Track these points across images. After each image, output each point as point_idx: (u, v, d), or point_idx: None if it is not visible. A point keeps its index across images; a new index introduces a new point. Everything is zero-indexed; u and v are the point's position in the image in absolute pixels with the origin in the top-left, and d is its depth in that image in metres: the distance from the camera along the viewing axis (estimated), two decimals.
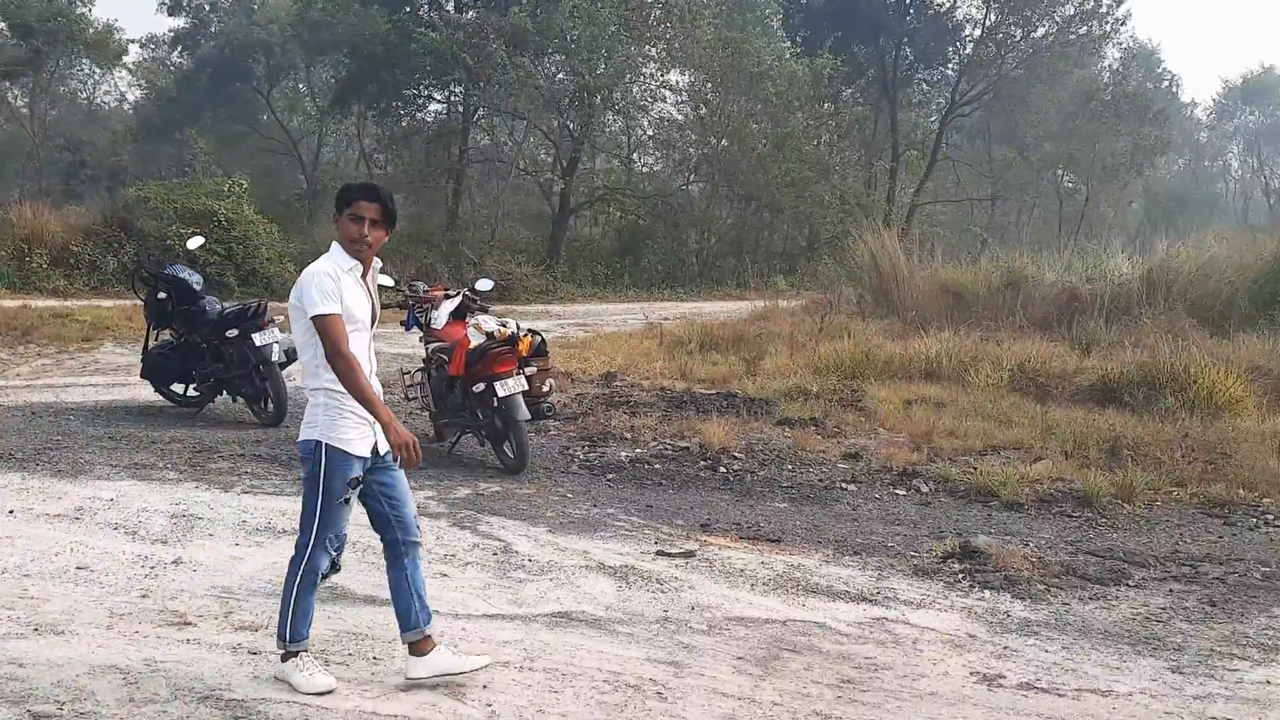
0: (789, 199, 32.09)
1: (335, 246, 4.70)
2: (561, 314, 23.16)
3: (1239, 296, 17.67)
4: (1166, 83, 62.96)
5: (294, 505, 7.49)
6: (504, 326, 8.95)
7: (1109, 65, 44.17)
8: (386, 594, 5.71)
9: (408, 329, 10.08)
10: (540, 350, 9.17)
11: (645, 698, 4.72)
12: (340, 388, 4.57)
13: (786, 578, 6.55)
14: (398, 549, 4.80)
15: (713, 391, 12.89)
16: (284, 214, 30.30)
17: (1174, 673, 5.37)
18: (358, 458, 4.64)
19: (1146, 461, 9.60)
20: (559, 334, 18.63)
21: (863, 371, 13.92)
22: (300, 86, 40.33)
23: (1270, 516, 8.44)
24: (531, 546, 6.90)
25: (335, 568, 4.80)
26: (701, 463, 9.38)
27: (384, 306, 10.47)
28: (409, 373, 10.16)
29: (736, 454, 9.64)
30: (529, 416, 8.80)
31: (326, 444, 4.59)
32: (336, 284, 4.57)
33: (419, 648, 4.74)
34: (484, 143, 32.99)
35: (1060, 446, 10.07)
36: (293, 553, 4.75)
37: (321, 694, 4.57)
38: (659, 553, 6.88)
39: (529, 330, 9.20)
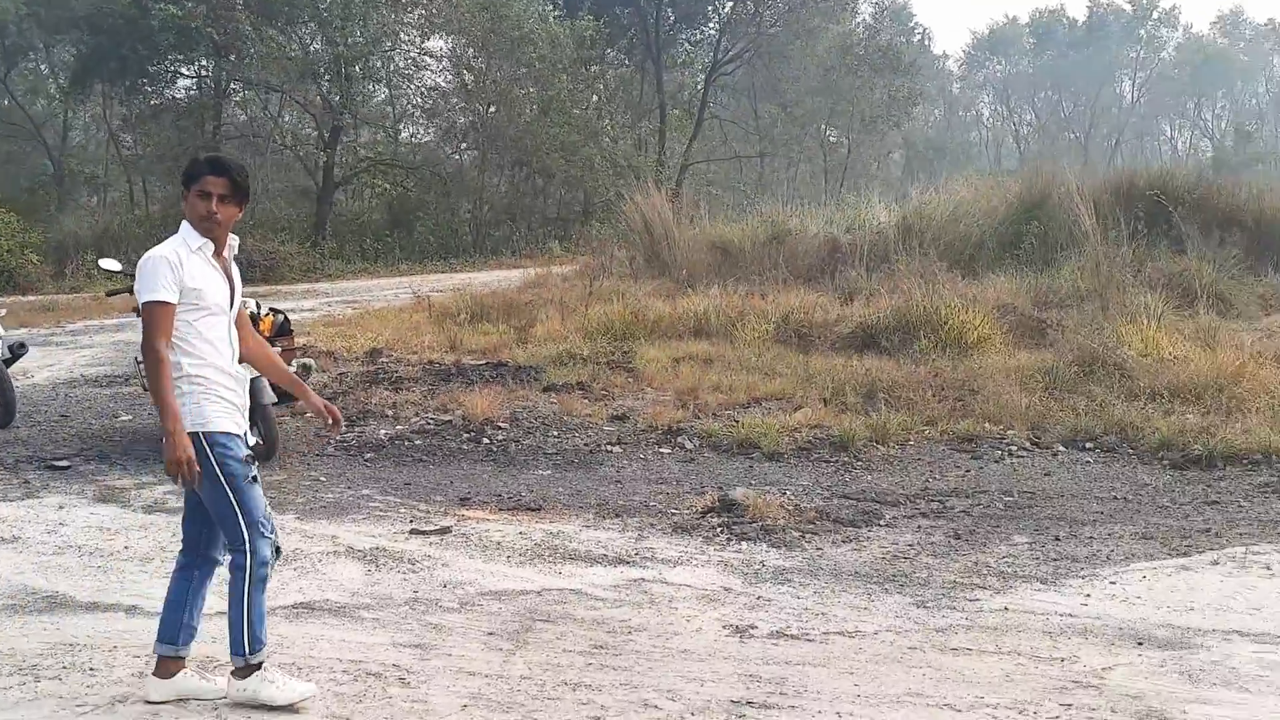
0: (559, 163, 31.96)
1: (185, 226, 4.32)
2: (329, 292, 22.46)
3: (987, 239, 18.45)
4: (919, 36, 65.33)
5: (14, 510, 7.01)
6: (244, 307, 8.51)
7: (862, 20, 45.49)
8: (110, 599, 5.37)
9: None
10: (284, 330, 8.79)
11: (387, 685, 4.53)
12: (202, 371, 4.26)
13: (545, 546, 6.44)
14: (193, 558, 4.44)
15: (483, 362, 12.69)
16: (29, 202, 28.53)
17: (918, 607, 5.49)
18: (237, 435, 4.32)
19: (901, 403, 9.86)
20: (325, 312, 18.08)
21: (633, 333, 13.93)
22: (41, 67, 37.93)
23: (1014, 447, 8.78)
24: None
25: (278, 552, 4.39)
26: (464, 435, 9.19)
27: (112, 293, 9.96)
28: (142, 360, 9.61)
29: (501, 424, 9.47)
30: (276, 400, 8.41)
31: (204, 431, 4.21)
32: (176, 270, 4.18)
33: (165, 668, 4.37)
34: (240, 118, 31.71)
35: (820, 394, 10.26)
36: (230, 558, 4.30)
37: (302, 700, 4.28)
38: (412, 531, 6.67)
39: (271, 309, 8.80)
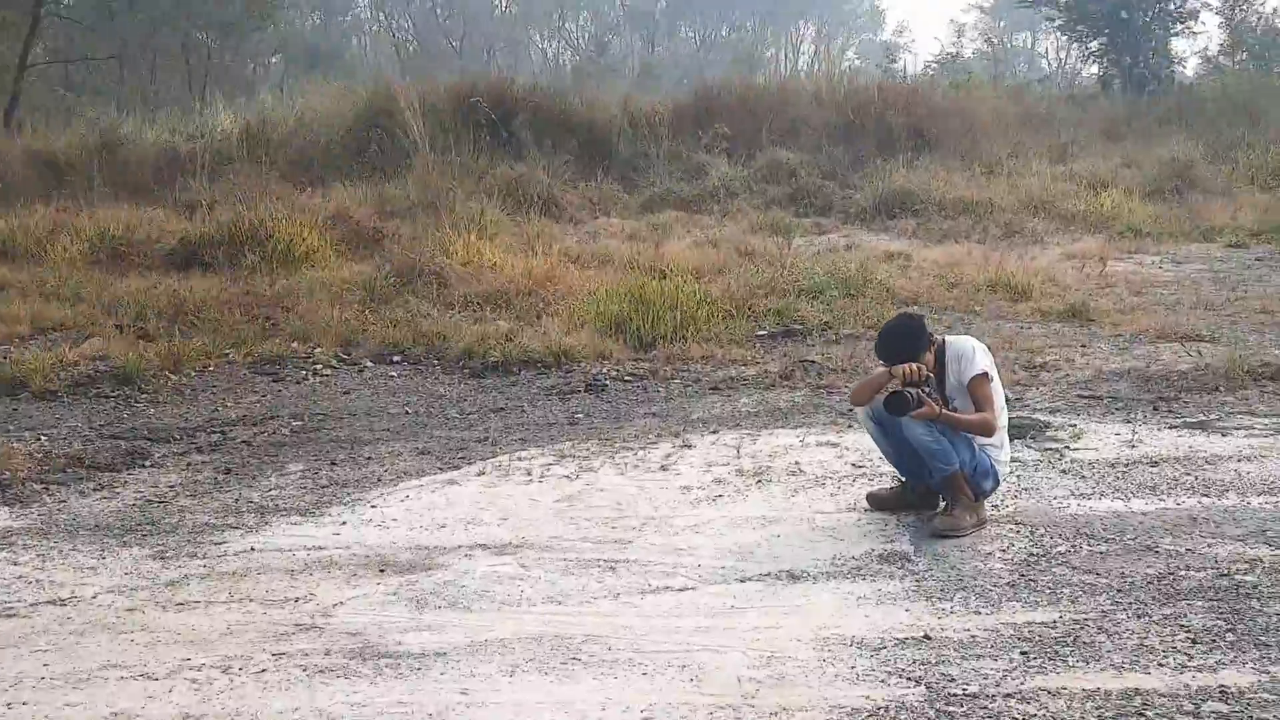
0: None
1: None
2: None
3: (334, 147, 18.02)
4: None
5: None
6: None
7: None
8: None
9: None
10: None
11: None
12: None
13: None
14: None
15: None
16: None
17: (156, 559, 4.95)
18: None
19: (207, 325, 9.21)
20: None
21: None
22: None
23: (319, 365, 8.46)
24: None
25: None
26: None
27: None
28: None
29: None
30: None
31: None
32: None
33: None
34: None
35: (118, 321, 9.34)
36: None
37: None
38: None
39: None
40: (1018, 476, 5.71)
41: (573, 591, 4.52)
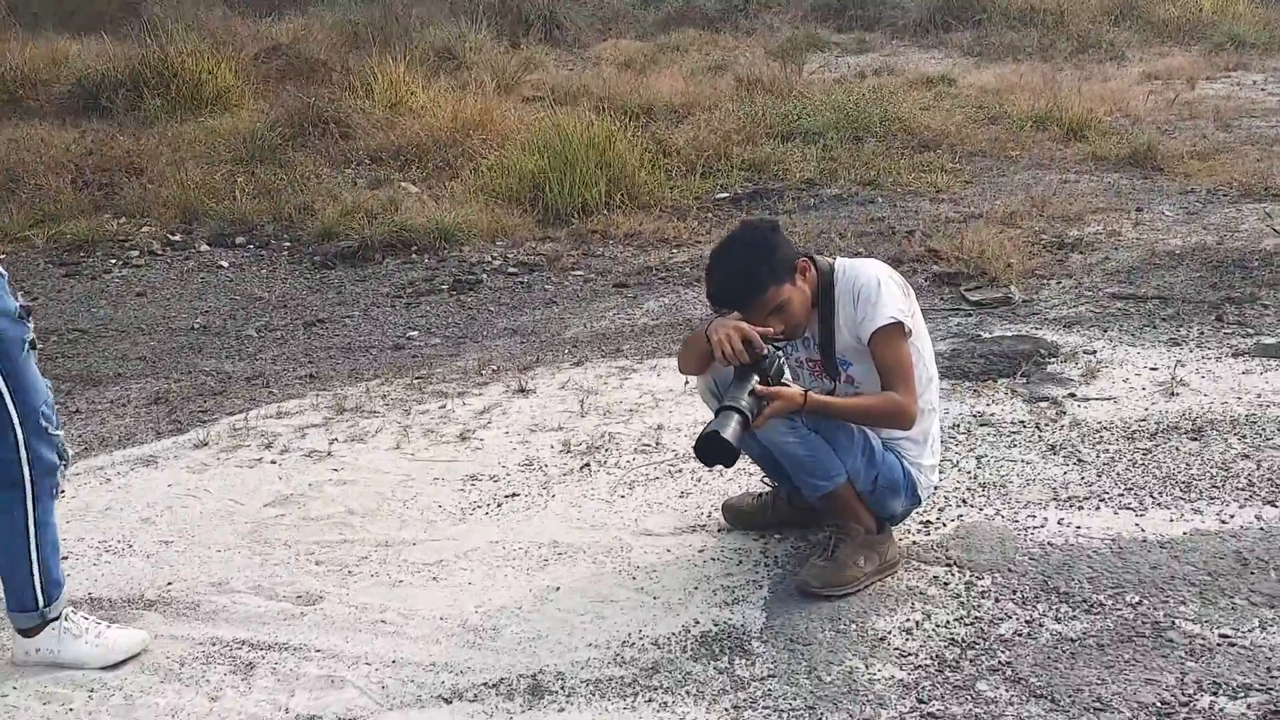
0: None
1: None
2: None
3: None
4: None
5: None
6: None
7: None
8: None
9: None
10: None
11: None
12: None
13: None
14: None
15: None
16: None
17: None
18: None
19: (38, 195, 7.41)
20: None
21: None
22: None
23: (137, 252, 6.62)
24: None
25: (63, 457, 2.87)
26: None
27: None
28: None
29: None
30: None
31: None
32: None
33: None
34: None
35: None
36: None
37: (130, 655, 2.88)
38: None
39: None
40: (978, 458, 3.70)
41: None
